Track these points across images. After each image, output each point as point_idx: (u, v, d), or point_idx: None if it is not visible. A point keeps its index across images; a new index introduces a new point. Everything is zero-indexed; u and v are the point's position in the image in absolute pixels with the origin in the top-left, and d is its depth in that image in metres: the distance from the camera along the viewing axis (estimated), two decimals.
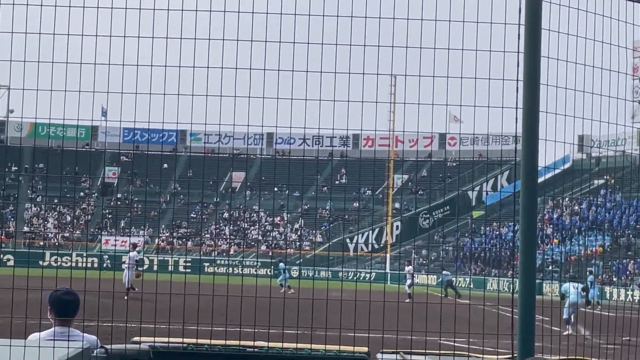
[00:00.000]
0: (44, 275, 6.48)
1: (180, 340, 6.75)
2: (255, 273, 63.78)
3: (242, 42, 6.65)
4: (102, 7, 6.68)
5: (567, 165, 74.12)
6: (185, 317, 6.24)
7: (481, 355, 6.96)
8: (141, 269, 38.67)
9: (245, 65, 6.64)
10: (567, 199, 72.23)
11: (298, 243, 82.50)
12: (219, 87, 6.51)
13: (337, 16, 6.39)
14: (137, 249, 43.34)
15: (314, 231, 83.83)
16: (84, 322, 6.69)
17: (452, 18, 6.28)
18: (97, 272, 8.12)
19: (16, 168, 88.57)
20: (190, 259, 66.97)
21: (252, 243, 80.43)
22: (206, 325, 6.41)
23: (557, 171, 50.33)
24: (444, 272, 49.57)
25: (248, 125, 6.74)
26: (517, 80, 6.06)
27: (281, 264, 50.57)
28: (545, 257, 57.81)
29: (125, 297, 30.80)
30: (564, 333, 24.10)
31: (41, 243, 74.57)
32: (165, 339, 6.76)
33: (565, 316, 29.08)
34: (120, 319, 7.35)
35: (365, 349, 7.01)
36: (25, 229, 79.64)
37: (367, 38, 6.48)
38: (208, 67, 6.54)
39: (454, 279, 53.65)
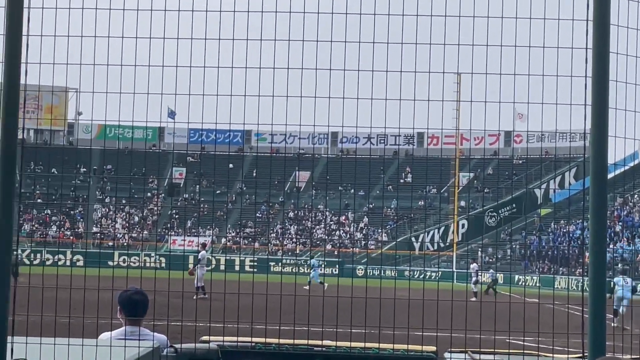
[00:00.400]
0: (113, 275, 6.57)
1: (248, 339, 6.79)
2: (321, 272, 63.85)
3: (307, 42, 6.66)
4: (169, 10, 6.74)
5: (636, 162, 72.89)
6: (253, 316, 6.28)
7: (551, 355, 6.89)
8: (208, 268, 38.86)
9: (311, 65, 6.65)
10: (636, 196, 71.11)
11: (363, 242, 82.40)
12: (284, 87, 6.54)
13: (402, 15, 6.37)
14: (207, 248, 43.65)
15: (379, 230, 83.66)
16: (153, 322, 6.77)
17: (519, 15, 6.23)
18: (165, 272, 8.20)
19: (85, 169, 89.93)
20: (256, 259, 67.30)
21: (318, 242, 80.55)
22: (274, 325, 6.43)
23: (626, 168, 49.55)
24: (490, 270, 49.22)
25: (314, 125, 6.75)
26: (586, 77, 5.99)
27: (313, 260, 50.23)
28: (615, 255, 57.01)
29: (195, 297, 31.06)
30: (612, 325, 24.03)
31: (110, 243, 75.61)
32: (234, 339, 6.81)
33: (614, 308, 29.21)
34: (189, 318, 7.42)
35: (433, 348, 6.98)
36: (95, 229, 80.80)
37: (432, 36, 6.45)
38: (274, 68, 6.57)
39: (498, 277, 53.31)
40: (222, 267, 56.82)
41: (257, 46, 6.63)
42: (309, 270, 48.06)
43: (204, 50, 6.64)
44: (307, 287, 39.48)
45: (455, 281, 54.34)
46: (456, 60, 6.49)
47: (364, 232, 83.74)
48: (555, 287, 54.84)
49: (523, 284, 60.12)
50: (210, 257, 44.86)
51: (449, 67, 6.56)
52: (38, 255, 63.07)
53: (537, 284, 58.83)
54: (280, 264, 68.20)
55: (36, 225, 77.64)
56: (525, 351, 6.74)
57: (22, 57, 5.84)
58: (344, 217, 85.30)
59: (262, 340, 6.90)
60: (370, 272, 62.32)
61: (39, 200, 79.92)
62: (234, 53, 6.55)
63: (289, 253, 76.56)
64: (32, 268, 52.80)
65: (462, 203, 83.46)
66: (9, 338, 5.30)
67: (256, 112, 6.92)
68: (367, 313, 7.00)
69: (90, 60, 6.72)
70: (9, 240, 5.73)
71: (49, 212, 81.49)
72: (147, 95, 6.71)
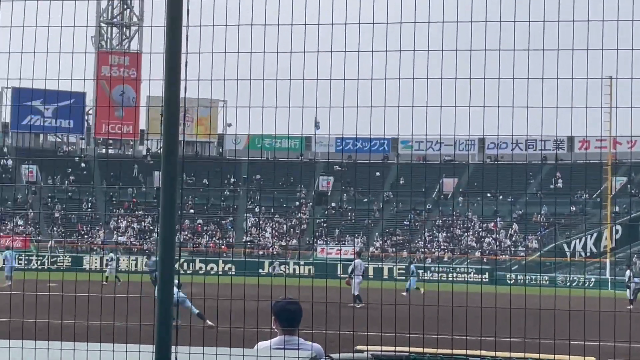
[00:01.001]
0: (261, 283, 6.63)
1: (406, 349, 6.74)
2: (468, 279, 63.26)
3: (446, 52, 6.63)
4: (309, 24, 6.81)
5: None
6: (410, 325, 6.24)
7: None
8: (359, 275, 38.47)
9: (450, 75, 6.62)
10: None
11: (512, 249, 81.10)
12: (424, 95, 6.53)
13: (558, 21, 6.25)
14: (362, 256, 43.51)
15: (528, 237, 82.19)
16: (312, 330, 6.80)
17: None
18: (315, 281, 8.23)
19: (234, 180, 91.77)
20: (404, 266, 67.14)
21: (466, 249, 79.74)
22: (432, 334, 6.37)
23: None
24: (635, 279, 47.34)
25: (454, 134, 6.70)
26: None
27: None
28: None
29: (352, 305, 31.12)
30: None
31: (260, 252, 76.87)
32: (391, 348, 6.76)
33: None
34: (345, 327, 7.44)
35: (594, 359, 6.79)
36: (245, 238, 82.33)
37: (575, 41, 6.32)
38: (413, 79, 6.56)
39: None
40: (371, 275, 56.98)
41: (396, 57, 6.64)
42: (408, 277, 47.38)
43: (343, 62, 6.69)
44: (405, 294, 39.08)
45: (610, 289, 52.80)
46: (608, 65, 6.34)
47: (513, 238, 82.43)
48: None
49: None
50: (367, 265, 44.56)
51: (593, 73, 6.43)
52: (191, 265, 64.64)
53: None
54: (427, 272, 67.86)
55: (189, 235, 79.66)
56: None
57: (181, 73, 6.00)
58: (492, 224, 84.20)
59: (420, 349, 6.85)
60: (520, 280, 61.23)
61: (191, 211, 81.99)
62: (373, 63, 6.57)
63: (437, 260, 76.08)
64: (183, 277, 54.08)
65: (616, 208, 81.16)
66: (173, 348, 5.43)
67: (401, 120, 6.92)
68: (512, 321, 6.85)
69: (236, 74, 6.88)
70: (172, 251, 5.88)
71: (200, 222, 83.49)
72: (288, 109, 6.80)
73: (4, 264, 47.26)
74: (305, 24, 6.81)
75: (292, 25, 6.84)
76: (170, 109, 5.97)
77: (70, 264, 65.24)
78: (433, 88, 6.53)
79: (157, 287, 6.15)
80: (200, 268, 64.76)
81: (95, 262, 65.85)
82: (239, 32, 6.55)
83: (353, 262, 39.75)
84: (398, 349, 6.89)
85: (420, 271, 66.95)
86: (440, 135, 6.96)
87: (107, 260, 56.30)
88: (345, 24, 6.80)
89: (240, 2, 6.70)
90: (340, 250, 75.38)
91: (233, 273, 63.27)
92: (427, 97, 6.58)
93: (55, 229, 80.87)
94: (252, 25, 6.58)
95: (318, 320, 7.16)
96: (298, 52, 6.82)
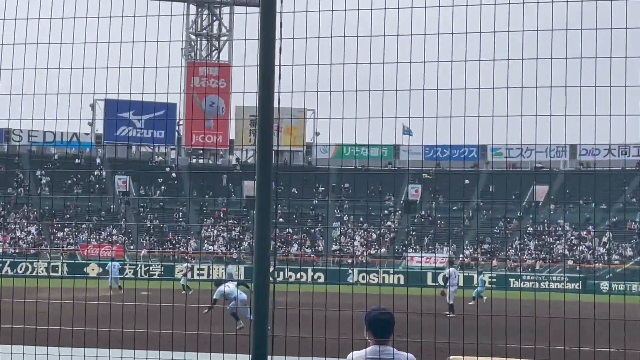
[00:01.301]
0: (349, 292, 6.63)
1: (502, 359, 6.66)
2: (562, 288, 62.24)
3: (541, 60, 6.57)
4: (402, 35, 6.81)
5: None
6: (507, 335, 6.15)
7: None
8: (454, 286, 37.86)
9: (545, 83, 6.55)
10: None
11: (606, 257, 79.58)
12: (518, 103, 6.49)
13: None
14: (455, 265, 43.04)
15: (623, 244, 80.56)
16: (407, 340, 6.77)
17: None
18: (403, 289, 8.20)
19: (323, 188, 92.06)
20: (495, 275, 66.43)
21: (558, 258, 78.51)
22: (529, 344, 6.29)
23: None
24: None
25: (550, 142, 6.61)
26: None
27: (480, 277, 48.44)
28: None
29: (447, 314, 30.82)
30: None
31: (349, 261, 76.91)
32: (488, 359, 6.68)
33: None
34: (440, 336, 7.37)
35: None
36: (334, 247, 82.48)
37: None
38: (507, 88, 6.52)
39: None
40: (461, 284, 56.40)
41: (491, 66, 6.61)
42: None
43: (436, 72, 6.68)
44: (472, 303, 38.64)
45: None
46: None
47: (607, 246, 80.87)
48: None
49: None
50: (461, 274, 43.94)
51: None
52: (281, 274, 65.00)
53: None
54: (519, 280, 67.04)
55: (278, 244, 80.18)
56: None
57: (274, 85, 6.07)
58: (585, 232, 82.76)
59: None
60: (615, 288, 60.12)
61: (280, 220, 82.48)
62: (467, 73, 6.55)
63: (529, 269, 75.06)
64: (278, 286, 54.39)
65: None
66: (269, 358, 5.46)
67: (491, 127, 6.89)
68: (612, 331, 6.71)
69: (321, 83, 6.93)
70: (267, 260, 5.92)
71: (290, 230, 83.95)
72: (382, 119, 6.81)
73: (108, 274, 48.52)
74: (397, 35, 6.83)
75: (384, 36, 6.86)
76: (264, 119, 6.03)
77: (162, 273, 66.26)
78: (528, 96, 6.48)
79: (252, 295, 6.20)
80: (290, 276, 65.12)
81: (189, 271, 66.64)
82: (319, 45, 6.59)
83: (447, 271, 38.99)
84: (495, 359, 6.81)
85: (512, 279, 66.17)
86: (536, 142, 6.88)
87: (182, 269, 57.33)
88: (438, 34, 6.79)
89: (331, 14, 6.73)
90: (431, 258, 74.98)
91: (322, 281, 63.46)
92: (522, 105, 6.53)
93: (147, 238, 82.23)
94: (344, 36, 6.61)
95: (411, 329, 7.12)
96: (391, 63, 6.83)
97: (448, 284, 36.31)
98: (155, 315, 9.20)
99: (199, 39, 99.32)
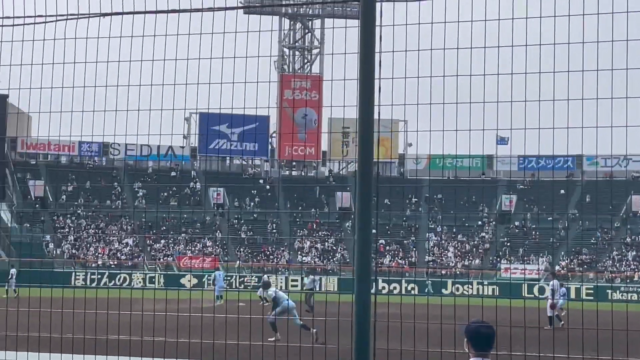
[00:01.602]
0: (445, 304, 6.66)
1: None
2: None
3: (631, 70, 6.52)
4: (489, 47, 6.84)
5: None
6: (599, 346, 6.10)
7: None
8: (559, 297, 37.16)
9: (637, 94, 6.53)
10: None
11: None
12: (608, 113, 6.47)
13: None
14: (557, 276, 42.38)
15: None
16: (510, 353, 6.76)
17: None
18: (499, 301, 8.17)
19: (416, 199, 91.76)
20: (591, 286, 65.27)
21: None
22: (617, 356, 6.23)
23: None
24: None
25: None
26: None
27: (563, 288, 46.98)
28: None
29: (559, 325, 30.52)
30: None
31: (443, 272, 76.46)
32: None
33: None
34: (544, 349, 7.35)
35: None
36: (427, 258, 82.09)
37: None
38: (597, 99, 6.51)
39: None
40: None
41: (594, 76, 6.58)
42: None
43: (539, 84, 6.68)
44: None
45: None
46: None
47: None
48: None
49: None
50: (564, 284, 43.26)
51: None
52: (374, 285, 64.89)
53: None
54: (616, 291, 65.76)
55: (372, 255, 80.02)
56: None
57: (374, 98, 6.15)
58: None
59: None
60: None
61: (373, 231, 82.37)
62: (555, 86, 6.55)
63: (627, 280, 73.55)
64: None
65: None
66: None
67: (586, 136, 6.86)
68: None
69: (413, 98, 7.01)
70: (368, 270, 6.00)
71: (382, 242, 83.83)
72: (469, 132, 6.83)
73: (214, 284, 49.49)
74: (484, 47, 6.88)
75: (471, 48, 6.91)
76: (365, 132, 6.11)
77: (257, 284, 66.82)
78: (618, 107, 6.45)
79: (353, 307, 6.28)
80: (384, 287, 64.98)
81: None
82: (406, 59, 6.66)
83: (552, 282, 38.76)
84: None
85: (609, 291, 64.87)
86: (626, 152, 6.86)
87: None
88: (526, 45, 6.82)
89: (419, 27, 6.81)
90: (525, 269, 74.10)
91: (416, 293, 63.22)
92: (612, 115, 6.51)
93: (241, 249, 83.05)
94: (431, 49, 6.68)
95: (514, 342, 7.10)
96: (478, 75, 6.88)
97: (556, 296, 35.92)
98: (245, 326, 9.33)
99: (291, 51, 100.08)
